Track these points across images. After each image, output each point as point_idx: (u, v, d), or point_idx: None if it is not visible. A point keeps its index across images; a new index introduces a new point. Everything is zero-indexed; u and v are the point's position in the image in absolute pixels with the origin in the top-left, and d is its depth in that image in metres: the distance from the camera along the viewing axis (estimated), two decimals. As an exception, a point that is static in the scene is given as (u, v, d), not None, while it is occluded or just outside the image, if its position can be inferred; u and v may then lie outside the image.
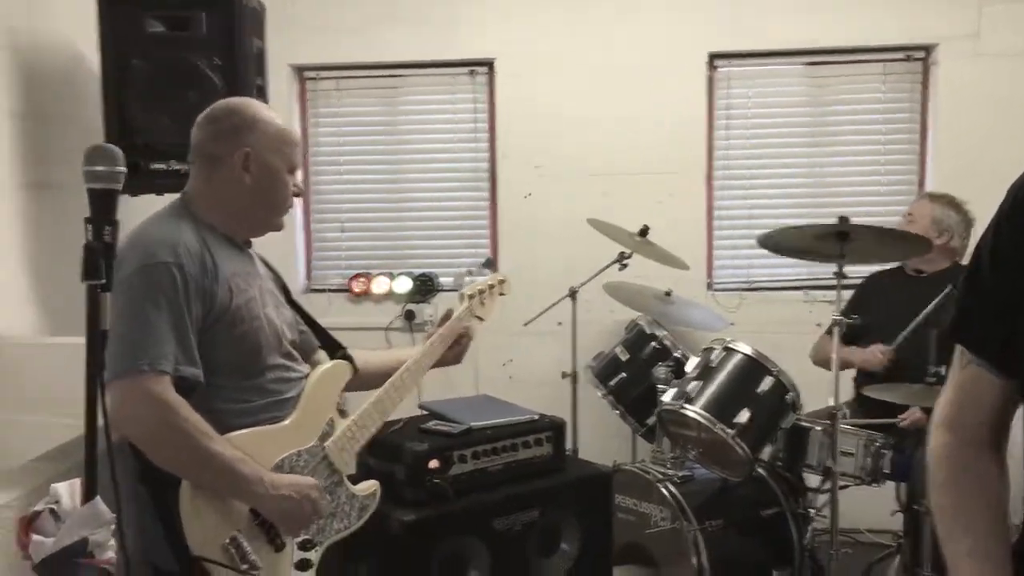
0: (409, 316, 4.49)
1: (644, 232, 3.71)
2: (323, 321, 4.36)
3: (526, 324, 4.01)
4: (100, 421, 1.32)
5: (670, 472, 3.28)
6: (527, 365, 4.45)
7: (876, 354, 3.37)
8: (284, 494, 1.85)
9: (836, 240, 2.94)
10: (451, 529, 2.56)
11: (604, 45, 4.36)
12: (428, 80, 4.54)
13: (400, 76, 4.54)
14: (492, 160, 4.51)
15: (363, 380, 2.22)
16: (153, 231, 1.89)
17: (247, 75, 3.20)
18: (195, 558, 1.74)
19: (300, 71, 4.56)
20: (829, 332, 3.11)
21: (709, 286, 4.46)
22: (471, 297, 2.53)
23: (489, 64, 4.46)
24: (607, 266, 3.86)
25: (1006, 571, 1.13)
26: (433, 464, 2.56)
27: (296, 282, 4.59)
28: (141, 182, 3.11)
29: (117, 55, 3.10)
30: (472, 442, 2.66)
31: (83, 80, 3.31)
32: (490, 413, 2.84)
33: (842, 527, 3.86)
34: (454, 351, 2.39)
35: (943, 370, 2.83)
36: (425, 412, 2.89)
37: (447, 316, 2.44)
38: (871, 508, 3.65)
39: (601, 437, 4.02)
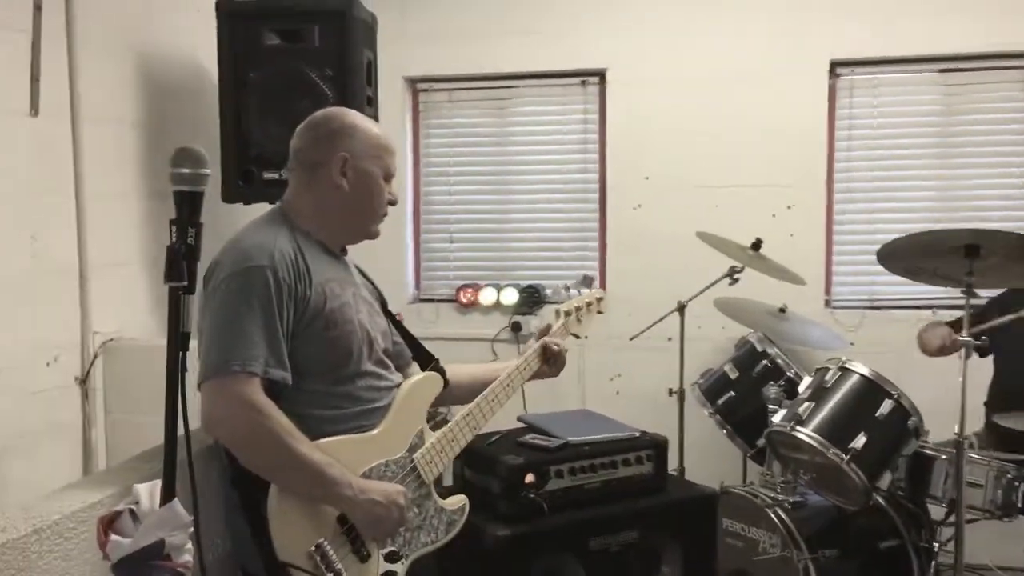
0: (516, 328, 4.46)
1: (757, 245, 3.57)
2: (430, 331, 4.44)
3: (632, 339, 3.93)
4: (181, 424, 1.31)
5: (781, 497, 3.13)
6: (634, 380, 4.35)
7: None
8: (372, 499, 1.82)
9: (965, 257, 2.73)
10: (546, 546, 2.51)
11: (719, 53, 4.24)
12: (539, 91, 4.52)
13: (511, 87, 4.53)
14: (602, 171, 4.44)
15: (453, 394, 2.19)
16: (249, 237, 1.90)
17: (357, 86, 3.25)
18: (281, 564, 1.73)
19: (413, 83, 4.60)
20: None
21: (827, 303, 4.27)
22: (567, 314, 2.48)
23: (601, 74, 4.40)
24: (717, 280, 3.74)
25: None
26: (529, 479, 2.51)
27: (405, 292, 4.63)
28: (255, 191, 3.19)
29: (235, 67, 3.19)
30: (570, 457, 2.60)
31: (202, 92, 3.41)
32: (590, 428, 2.78)
33: (970, 563, 3.63)
34: (551, 367, 2.32)
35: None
36: (524, 425, 2.84)
37: (544, 331, 2.39)
38: (1002, 544, 3.41)
39: (710, 458, 3.88)
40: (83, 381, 3.09)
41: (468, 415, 2.13)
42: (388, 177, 2.07)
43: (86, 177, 3.04)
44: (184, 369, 1.31)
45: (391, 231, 4.49)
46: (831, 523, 3.09)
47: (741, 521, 3.19)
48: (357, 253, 4.49)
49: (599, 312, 2.59)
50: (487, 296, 4.49)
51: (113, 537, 1.25)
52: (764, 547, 3.09)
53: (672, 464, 3.70)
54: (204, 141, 3.35)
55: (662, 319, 3.84)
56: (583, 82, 4.45)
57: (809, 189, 4.23)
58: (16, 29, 2.76)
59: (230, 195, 3.21)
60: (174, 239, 1.27)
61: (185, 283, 1.27)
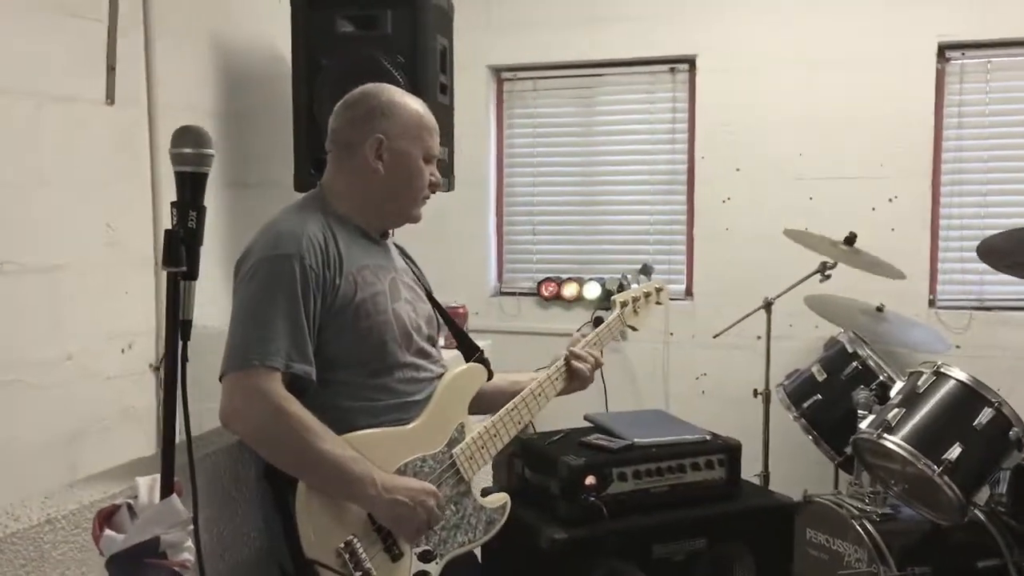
0: (598, 322, 4.27)
1: (851, 240, 3.36)
2: (512, 325, 4.36)
3: (715, 336, 3.76)
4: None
5: (869, 508, 2.93)
6: (721, 381, 4.17)
7: None
8: (397, 498, 1.74)
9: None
10: (606, 551, 2.39)
11: (816, 37, 4.01)
12: (626, 79, 4.37)
13: (598, 76, 4.40)
14: (690, 162, 4.27)
15: (485, 399, 2.08)
16: (279, 223, 1.85)
17: (430, 72, 3.18)
18: (308, 561, 1.67)
19: (497, 72, 4.52)
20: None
21: (931, 303, 3.99)
22: (623, 305, 2.35)
23: (691, 61, 4.23)
24: (807, 277, 3.53)
25: None
26: (589, 480, 2.40)
27: (487, 285, 4.56)
28: (326, 179, 3.16)
29: (308, 54, 3.17)
30: (634, 460, 2.48)
31: (277, 80, 3.41)
32: (659, 430, 2.64)
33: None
34: (574, 382, 2.18)
35: None
36: (589, 424, 2.72)
37: (598, 322, 2.26)
38: None
39: (797, 464, 3.68)
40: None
41: (513, 409, 2.03)
42: (429, 158, 1.97)
43: (162, 166, 3.07)
44: (185, 359, 1.25)
45: (473, 223, 4.49)
46: (923, 538, 2.87)
47: (826, 532, 3.00)
48: (435, 244, 4.45)
49: (658, 303, 2.46)
50: (569, 290, 4.38)
51: (107, 532, 1.20)
52: (849, 561, 2.90)
53: (756, 470, 3.56)
54: (278, 130, 3.37)
55: (747, 317, 3.66)
56: (672, 69, 4.28)
57: (913, 180, 3.97)
58: (92, 18, 2.79)
59: (302, 184, 3.19)
60: (174, 222, 1.21)
61: (184, 268, 1.21)
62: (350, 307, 1.81)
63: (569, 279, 4.40)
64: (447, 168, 3.33)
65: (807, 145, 4.05)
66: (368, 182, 1.91)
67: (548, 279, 4.44)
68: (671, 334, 4.28)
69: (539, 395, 2.10)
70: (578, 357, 2.17)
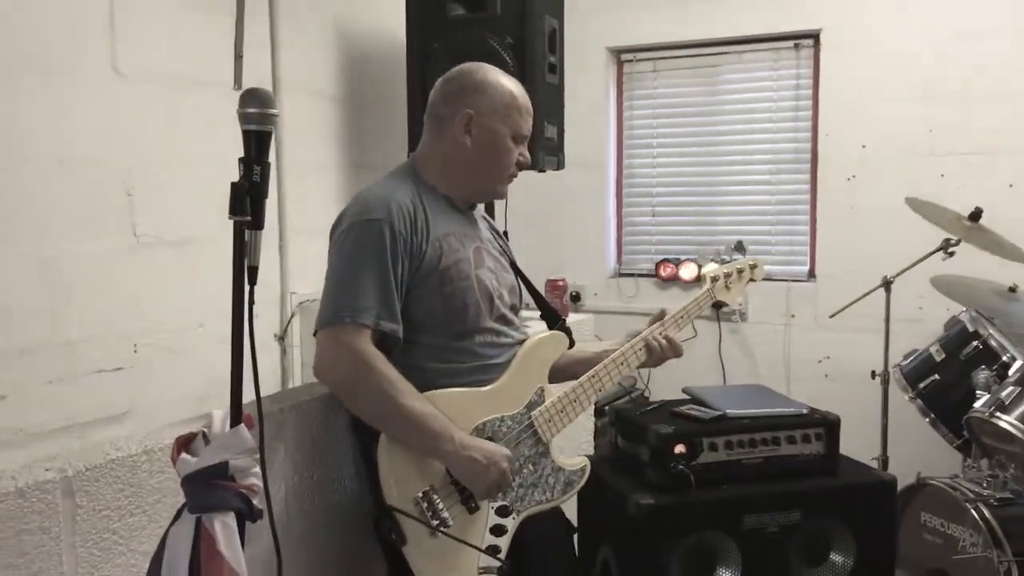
0: (717, 305, 4.28)
1: (976, 215, 3.20)
2: (630, 306, 4.38)
3: (831, 316, 3.66)
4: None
5: (986, 492, 2.81)
6: (843, 363, 4.06)
7: None
8: (472, 456, 1.81)
9: None
10: (695, 519, 2.40)
11: (949, 7, 3.84)
12: (749, 57, 4.30)
13: (719, 54, 4.35)
14: (814, 140, 4.16)
15: (567, 370, 2.12)
16: (372, 189, 1.95)
17: (538, 53, 3.24)
18: (388, 507, 1.78)
19: (616, 54, 4.54)
20: None
21: (1076, 286, 3.75)
22: (714, 280, 2.35)
23: (815, 36, 4.12)
24: (929, 254, 3.39)
25: None
26: (679, 449, 2.41)
27: (606, 266, 4.60)
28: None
29: (421, 38, 3.30)
30: (725, 430, 2.47)
31: (394, 64, 3.56)
32: (754, 403, 2.63)
33: None
34: (651, 359, 2.17)
35: None
36: (686, 397, 2.73)
37: (658, 317, 2.25)
38: None
39: (917, 447, 3.53)
40: (281, 338, 3.34)
41: (594, 376, 2.07)
42: (519, 138, 2.02)
43: (286, 147, 3.27)
44: (252, 302, 1.37)
45: (593, 205, 4.54)
46: (1044, 525, 2.73)
47: (940, 516, 2.90)
48: (555, 225, 4.51)
49: (751, 280, 2.43)
50: (688, 271, 4.36)
51: (183, 455, 1.33)
52: (964, 546, 2.79)
53: (874, 453, 3.45)
54: (394, 113, 3.52)
55: (864, 296, 3.55)
56: (796, 45, 4.19)
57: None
58: (221, 12, 3.00)
59: (417, 166, 3.32)
60: (241, 176, 1.33)
61: (249, 218, 1.32)
62: (435, 272, 1.89)
63: (687, 260, 4.39)
64: (556, 147, 3.39)
65: (937, 120, 3.89)
66: (456, 155, 1.99)
67: (666, 260, 4.43)
68: (792, 316, 4.19)
69: (621, 363, 2.13)
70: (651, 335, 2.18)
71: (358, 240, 1.85)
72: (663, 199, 4.53)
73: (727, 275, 2.38)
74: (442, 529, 1.80)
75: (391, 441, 1.82)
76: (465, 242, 1.99)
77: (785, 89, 4.24)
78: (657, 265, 4.45)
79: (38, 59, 2.51)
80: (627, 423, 2.60)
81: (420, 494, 1.81)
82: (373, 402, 1.80)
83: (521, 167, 2.06)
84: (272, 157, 3.19)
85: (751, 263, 2.44)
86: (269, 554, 1.45)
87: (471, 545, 1.83)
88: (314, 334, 1.85)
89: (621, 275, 4.60)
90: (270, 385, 3.26)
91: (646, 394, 4.30)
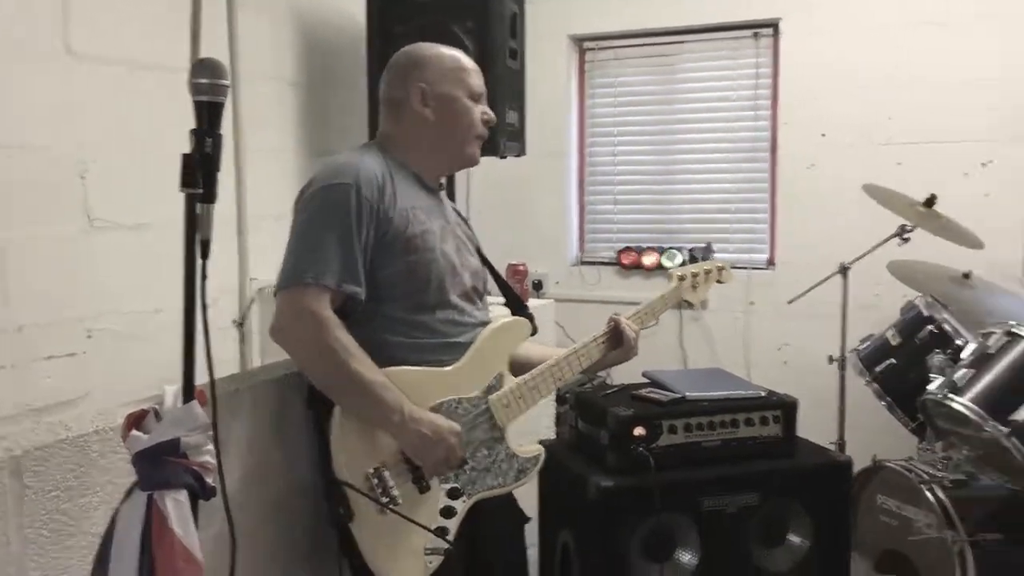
0: (682, 303, 4.31)
1: (931, 202, 3.25)
2: (592, 294, 4.39)
3: (790, 302, 3.69)
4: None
5: (940, 474, 2.85)
6: (802, 350, 4.10)
7: None
8: (419, 430, 1.81)
9: None
10: (654, 502, 2.41)
11: (903, -2, 3.89)
12: (708, 45, 4.33)
13: (680, 43, 4.37)
14: (773, 129, 4.20)
15: (526, 365, 2.11)
16: (340, 157, 1.97)
17: (499, 38, 3.24)
18: (337, 481, 1.77)
19: (578, 42, 4.54)
20: None
21: (1030, 273, 3.83)
22: (681, 279, 2.37)
23: (774, 25, 4.15)
24: (885, 240, 3.43)
25: None
26: (638, 431, 2.42)
27: (568, 254, 4.61)
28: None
29: (382, 23, 3.28)
30: (684, 413, 2.48)
31: (355, 49, 3.53)
32: (713, 385, 2.64)
33: None
34: (618, 351, 2.20)
35: None
36: (646, 380, 2.74)
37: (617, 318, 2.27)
38: None
39: (874, 431, 3.57)
40: (240, 324, 3.30)
41: (555, 365, 2.08)
42: (475, 96, 2.04)
43: (245, 133, 3.23)
44: (204, 276, 1.35)
45: (555, 192, 4.54)
46: (997, 505, 2.78)
47: (896, 498, 2.94)
48: (517, 213, 4.49)
49: (719, 282, 2.47)
50: (649, 259, 4.38)
51: (133, 432, 1.31)
52: (919, 527, 2.83)
53: (831, 437, 3.49)
54: (355, 98, 3.50)
55: (822, 283, 3.58)
56: (755, 34, 4.22)
57: (1012, 144, 3.80)
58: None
59: (377, 150, 3.30)
60: (192, 148, 1.31)
61: (200, 190, 1.30)
62: (400, 239, 1.89)
63: (649, 248, 4.41)
64: (518, 133, 3.39)
65: (896, 109, 3.93)
66: (421, 129, 2.00)
67: (628, 248, 4.45)
68: (752, 303, 4.23)
69: (582, 355, 2.15)
70: (620, 325, 2.20)
71: (324, 203, 1.84)
72: (625, 187, 4.55)
73: (695, 275, 2.41)
74: (391, 507, 1.80)
75: (345, 415, 1.81)
76: (432, 217, 1.99)
77: (745, 78, 4.27)
78: (619, 253, 4.46)
79: (-12, 38, 2.46)
80: (587, 406, 2.61)
81: (371, 470, 1.80)
82: (326, 366, 1.79)
83: (488, 124, 2.07)
84: (230, 143, 3.19)
85: (719, 265, 2.49)
86: (226, 534, 1.44)
87: (419, 525, 1.83)
88: (275, 294, 1.83)
89: (583, 263, 4.61)
90: (230, 372, 3.22)
91: (607, 380, 4.31)
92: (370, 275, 1.86)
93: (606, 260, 4.54)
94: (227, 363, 3.22)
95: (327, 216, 1.82)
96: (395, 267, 1.89)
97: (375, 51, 3.30)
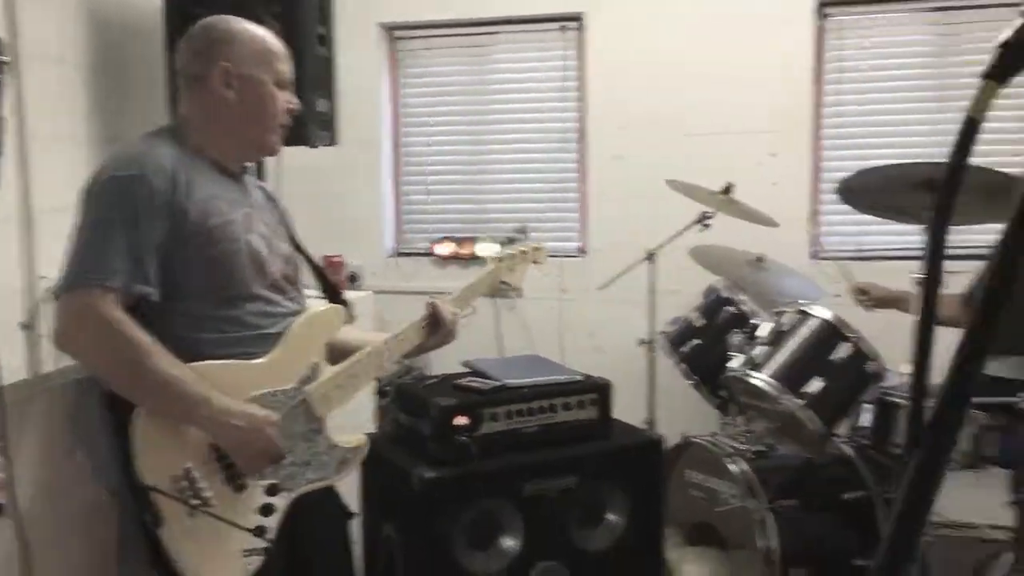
0: (501, 284, 4.35)
1: (727, 190, 3.43)
2: (409, 285, 4.35)
3: (600, 289, 3.80)
4: None
5: (744, 447, 3.02)
6: (614, 334, 4.23)
7: None
8: (233, 422, 1.73)
9: (927, 192, 2.58)
10: (478, 490, 2.43)
11: (701, -6, 4.08)
12: (518, 37, 4.39)
13: (489, 33, 4.40)
14: (581, 120, 4.31)
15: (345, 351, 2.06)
16: (128, 146, 1.84)
17: (307, 23, 3.15)
18: (143, 487, 1.66)
19: (389, 30, 4.49)
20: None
21: (814, 254, 4.12)
22: (499, 261, 2.38)
23: (578, 18, 4.26)
24: (687, 227, 3.60)
25: None
26: (460, 420, 2.42)
27: (383, 246, 4.55)
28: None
29: (180, 4, 3.11)
30: (505, 400, 2.51)
31: (149, 31, 3.33)
32: (531, 372, 2.68)
33: (954, 519, 3.49)
34: (437, 335, 2.16)
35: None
36: (467, 370, 2.75)
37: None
38: (975, 497, 3.25)
39: (684, 410, 3.76)
40: (29, 326, 3.05)
41: (375, 352, 2.03)
42: (282, 83, 1.95)
43: (30, 119, 2.98)
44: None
45: (368, 183, 4.46)
46: (794, 473, 2.98)
47: (703, 472, 3.09)
48: (330, 203, 4.39)
49: (535, 263, 2.50)
50: (466, 249, 4.40)
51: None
52: (725, 498, 2.98)
53: (642, 416, 3.63)
54: (153, 82, 3.30)
55: (630, 269, 3.72)
56: (562, 27, 4.30)
57: (794, 135, 4.07)
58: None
59: (178, 137, 3.14)
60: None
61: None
62: (199, 233, 1.79)
63: (465, 238, 4.42)
64: (328, 121, 3.30)
65: (694, 102, 4.12)
66: (220, 112, 1.89)
67: (444, 239, 4.45)
68: (564, 291, 4.33)
69: (403, 340, 2.10)
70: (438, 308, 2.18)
71: (111, 196, 1.72)
72: (439, 177, 4.54)
73: (512, 256, 2.43)
74: (203, 508, 1.71)
75: (148, 416, 1.70)
76: (234, 206, 1.89)
77: (553, 70, 4.35)
78: (435, 243, 4.45)
79: None
80: (408, 397, 2.59)
81: (180, 471, 1.71)
82: (121, 369, 1.68)
83: (292, 113, 1.99)
84: (14, 131, 2.94)
85: (535, 246, 2.51)
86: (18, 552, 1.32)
87: (235, 524, 1.75)
88: (56, 297, 1.69)
89: (400, 254, 4.57)
90: (18, 377, 2.98)
91: (425, 372, 4.31)
92: (169, 271, 1.76)
93: (422, 251, 4.52)
94: (16, 369, 2.97)
95: (114, 210, 1.70)
96: (195, 263, 1.79)
97: (173, 33, 3.12)
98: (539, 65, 4.36)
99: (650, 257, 3.62)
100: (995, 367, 2.73)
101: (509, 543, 2.49)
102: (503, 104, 4.42)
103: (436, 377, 2.72)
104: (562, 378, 2.63)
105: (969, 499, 3.28)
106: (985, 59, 3.08)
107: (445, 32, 4.44)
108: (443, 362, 3.92)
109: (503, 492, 2.45)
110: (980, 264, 3.28)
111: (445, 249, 4.43)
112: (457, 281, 4.27)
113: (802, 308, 2.83)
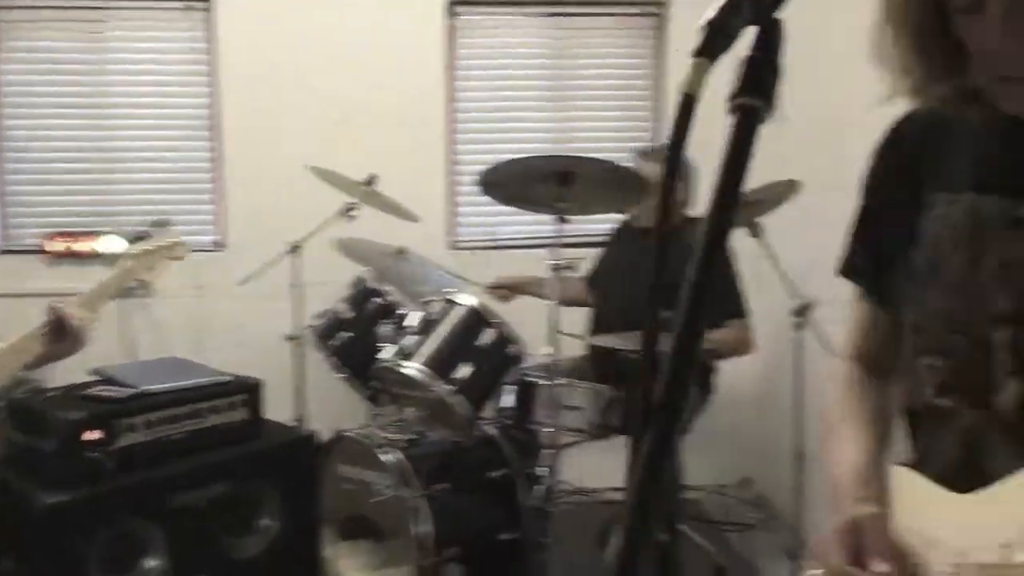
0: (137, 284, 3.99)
1: (370, 181, 3.44)
2: (20, 287, 3.86)
3: (241, 284, 3.64)
4: None
5: (396, 437, 3.04)
6: (259, 329, 4.06)
7: None
8: None
9: (558, 184, 2.76)
10: (114, 509, 2.21)
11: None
12: (138, 15, 4.04)
13: (104, 10, 4.02)
14: (215, 107, 4.09)
15: None
16: None
17: None
18: None
19: (-13, -3, 3.95)
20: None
21: (453, 245, 4.26)
22: (133, 258, 2.19)
23: (206, -1, 4.03)
24: (331, 218, 3.56)
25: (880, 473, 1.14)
26: (91, 435, 2.19)
27: (-14, 242, 4.01)
28: None
29: None
30: (145, 408, 2.32)
31: None
32: (173, 376, 2.50)
33: (587, 486, 3.79)
34: (64, 342, 1.97)
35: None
36: (96, 378, 2.50)
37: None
38: (602, 463, 3.57)
39: (337, 405, 3.71)
40: None
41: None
42: None
43: None
44: None
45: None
46: (444, 458, 3.06)
47: (356, 465, 3.06)
48: None
49: (176, 258, 2.32)
50: (83, 245, 3.99)
51: None
52: (379, 488, 2.99)
53: (292, 413, 3.53)
54: None
55: (273, 262, 3.60)
56: (187, 8, 4.04)
57: (429, 129, 4.18)
58: None
59: None
60: None
61: None
62: None
63: (84, 233, 4.01)
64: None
65: (331, 91, 4.06)
66: None
67: (58, 234, 4.00)
68: (201, 287, 4.09)
69: (20, 351, 1.86)
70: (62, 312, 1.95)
71: None
72: (54, 165, 4.07)
73: (149, 252, 2.23)
74: None
75: None
76: None
77: (179, 52, 4.08)
78: (47, 239, 3.99)
79: None
80: (25, 414, 2.29)
81: None
82: None
83: None
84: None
85: (174, 241, 2.33)
86: None
87: None
88: None
89: (5, 252, 4.04)
90: None
91: (45, 385, 3.86)
92: None
93: (32, 248, 4.03)
94: None
95: None
96: None
97: None
98: (163, 47, 4.06)
99: (294, 250, 3.52)
100: (615, 341, 3.00)
101: (152, 563, 2.30)
102: (124, 87, 4.06)
103: (58, 389, 2.44)
104: (208, 380, 2.48)
105: (596, 467, 3.60)
106: (592, 62, 3.37)
107: (54, 3, 3.98)
108: (69, 374, 3.53)
109: (145, 509, 2.26)
110: (597, 251, 3.63)
111: (59, 245, 3.98)
112: (73, 281, 3.92)
113: (448, 297, 2.91)
